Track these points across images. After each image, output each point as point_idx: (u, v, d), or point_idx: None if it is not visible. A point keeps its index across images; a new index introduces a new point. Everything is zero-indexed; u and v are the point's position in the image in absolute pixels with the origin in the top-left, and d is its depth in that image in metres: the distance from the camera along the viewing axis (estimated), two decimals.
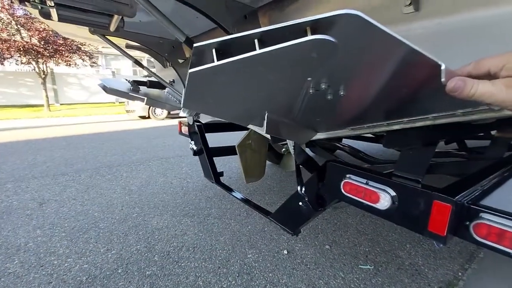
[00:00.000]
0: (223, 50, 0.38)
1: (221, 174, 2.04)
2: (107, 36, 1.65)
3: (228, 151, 2.22)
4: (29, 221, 1.98)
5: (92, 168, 3.34)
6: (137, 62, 1.88)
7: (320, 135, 0.95)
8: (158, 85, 2.48)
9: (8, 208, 2.19)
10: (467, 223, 0.69)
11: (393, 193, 0.80)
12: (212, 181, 1.99)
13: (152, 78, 2.28)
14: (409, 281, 1.40)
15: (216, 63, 0.36)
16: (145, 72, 1.93)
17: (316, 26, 0.31)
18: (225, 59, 0.34)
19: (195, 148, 2.12)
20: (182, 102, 0.48)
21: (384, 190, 0.81)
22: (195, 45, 0.36)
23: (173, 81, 2.35)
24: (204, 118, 1.99)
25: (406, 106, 0.60)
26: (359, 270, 1.49)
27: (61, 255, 1.59)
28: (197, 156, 2.13)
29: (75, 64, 13.21)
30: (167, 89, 2.47)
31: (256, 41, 0.35)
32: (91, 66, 14.67)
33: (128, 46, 1.99)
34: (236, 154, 1.84)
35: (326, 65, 0.39)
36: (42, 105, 12.84)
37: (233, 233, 1.84)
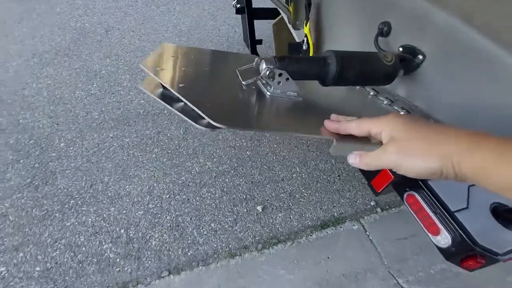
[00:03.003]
0: None
1: (260, 42, 1.99)
2: None
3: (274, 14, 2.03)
4: (100, 48, 2.38)
5: None
6: None
7: None
8: None
9: (83, 30, 2.57)
10: (407, 189, 0.82)
11: None
12: (248, 48, 2.00)
13: None
14: None
15: None
16: None
17: None
18: None
19: (238, 6, 1.98)
20: None
21: None
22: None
23: None
24: None
25: None
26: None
27: (125, 87, 2.05)
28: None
29: None
30: None
31: None
32: None
33: None
34: None
35: None
36: None
37: None
